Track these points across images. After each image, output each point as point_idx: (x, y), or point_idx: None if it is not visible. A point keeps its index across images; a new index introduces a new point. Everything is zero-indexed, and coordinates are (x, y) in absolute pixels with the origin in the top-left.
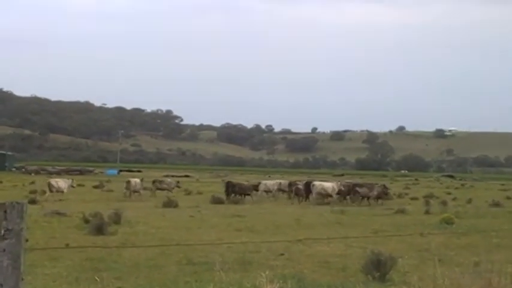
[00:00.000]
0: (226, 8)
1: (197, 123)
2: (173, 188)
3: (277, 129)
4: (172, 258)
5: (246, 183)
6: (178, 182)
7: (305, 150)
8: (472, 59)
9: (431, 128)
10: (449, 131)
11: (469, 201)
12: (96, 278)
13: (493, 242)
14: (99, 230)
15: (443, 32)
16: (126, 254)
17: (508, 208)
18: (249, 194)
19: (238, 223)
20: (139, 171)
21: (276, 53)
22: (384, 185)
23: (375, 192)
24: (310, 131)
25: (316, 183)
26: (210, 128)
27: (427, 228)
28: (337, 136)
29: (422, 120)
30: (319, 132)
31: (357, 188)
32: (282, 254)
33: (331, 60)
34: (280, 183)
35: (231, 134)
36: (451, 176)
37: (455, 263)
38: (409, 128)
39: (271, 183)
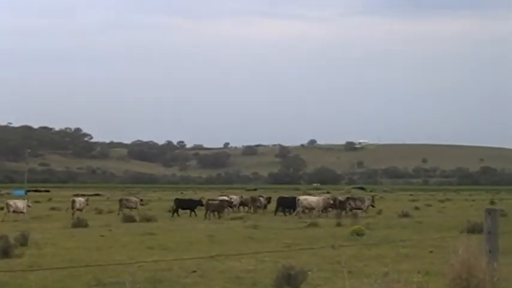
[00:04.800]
0: (136, 25)
1: (107, 141)
2: (135, 207)
3: (189, 145)
4: (82, 279)
5: (217, 201)
6: (141, 200)
7: (218, 166)
8: (378, 72)
9: (341, 141)
10: (359, 143)
11: (379, 212)
12: None
13: (401, 252)
14: (5, 252)
15: (345, 45)
16: (32, 277)
17: (416, 218)
18: (220, 212)
19: (150, 241)
20: (47, 191)
21: (187, 70)
22: (372, 198)
23: (367, 204)
24: (222, 146)
25: (301, 197)
26: (120, 145)
27: (338, 241)
28: (250, 151)
29: (332, 133)
30: (231, 147)
31: (350, 201)
32: (194, 271)
33: (241, 76)
34: (241, 197)
35: (143, 151)
36: (362, 188)
37: (364, 274)
38: (320, 142)
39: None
